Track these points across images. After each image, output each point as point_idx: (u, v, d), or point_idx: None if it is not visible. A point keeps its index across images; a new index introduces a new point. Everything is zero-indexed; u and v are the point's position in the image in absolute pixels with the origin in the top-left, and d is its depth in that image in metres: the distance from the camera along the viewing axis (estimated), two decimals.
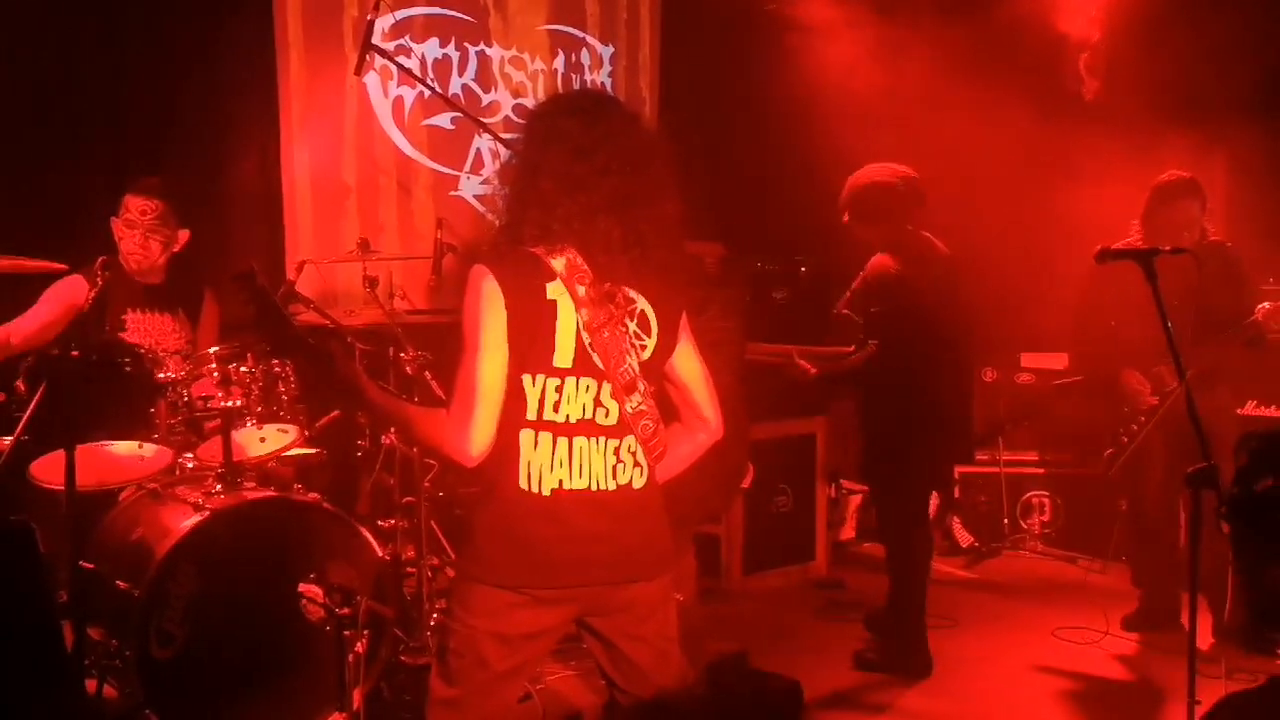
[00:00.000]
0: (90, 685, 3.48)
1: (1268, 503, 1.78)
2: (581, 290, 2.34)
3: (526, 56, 6.19)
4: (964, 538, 6.35)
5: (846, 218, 4.51)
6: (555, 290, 2.33)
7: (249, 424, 3.74)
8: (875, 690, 4.40)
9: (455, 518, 4.73)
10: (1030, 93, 6.05)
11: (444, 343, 4.37)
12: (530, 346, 2.33)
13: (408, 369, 4.39)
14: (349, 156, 5.61)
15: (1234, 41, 5.62)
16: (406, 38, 5.70)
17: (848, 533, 6.48)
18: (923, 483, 4.59)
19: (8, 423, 3.58)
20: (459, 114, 5.46)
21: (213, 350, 3.76)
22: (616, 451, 2.41)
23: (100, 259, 3.63)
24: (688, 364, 2.54)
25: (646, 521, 2.46)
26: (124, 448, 3.66)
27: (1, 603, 2.84)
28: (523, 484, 2.35)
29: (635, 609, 2.45)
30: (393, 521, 4.56)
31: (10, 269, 3.49)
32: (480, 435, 2.30)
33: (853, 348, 4.47)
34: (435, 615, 4.20)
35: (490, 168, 5.88)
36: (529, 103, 5.99)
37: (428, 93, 5.57)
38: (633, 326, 2.41)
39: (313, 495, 3.79)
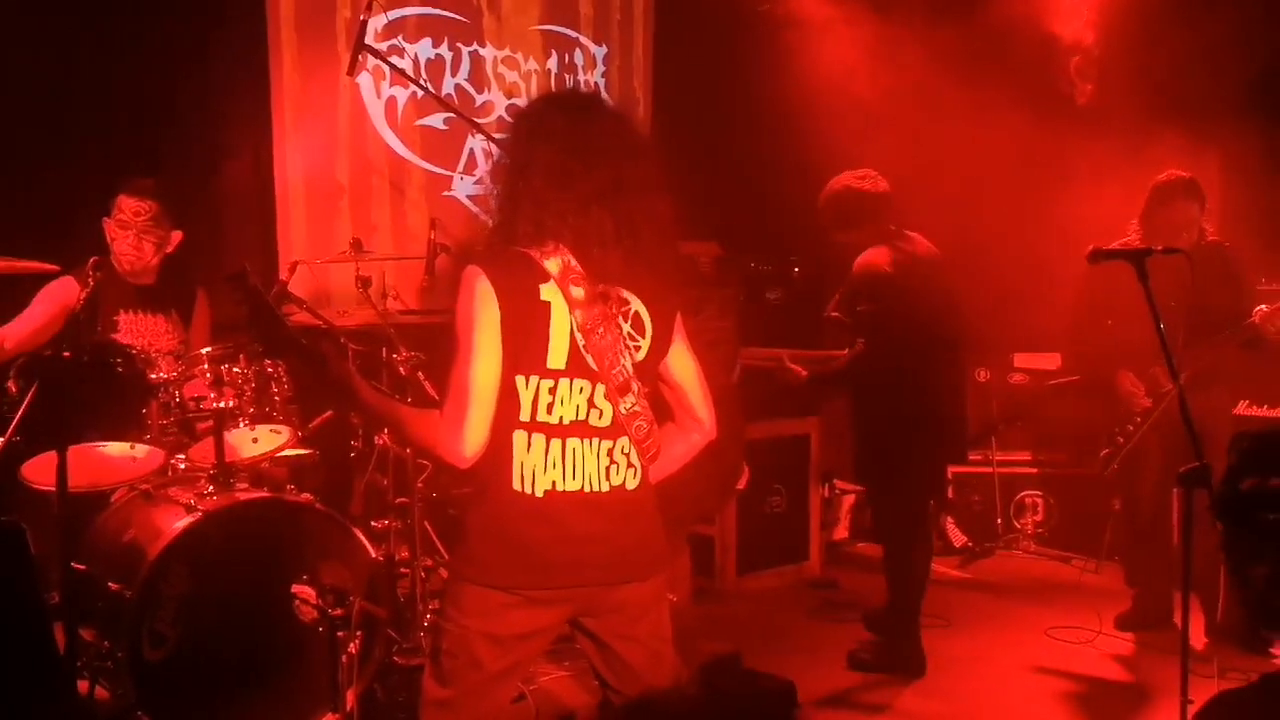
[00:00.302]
0: (82, 687, 3.47)
1: (1252, 501, 1.78)
2: (575, 291, 2.33)
3: (520, 57, 6.18)
4: (957, 537, 6.36)
5: (828, 228, 4.53)
6: (549, 291, 2.33)
7: (241, 425, 3.73)
8: (869, 690, 4.40)
9: (448, 518, 4.73)
10: (1024, 94, 6.05)
11: (437, 343, 4.38)
12: (523, 348, 2.32)
13: (401, 370, 4.38)
14: (342, 157, 5.60)
15: (1226, 43, 5.63)
16: (399, 38, 5.70)
17: (841, 533, 6.49)
18: (918, 482, 4.58)
19: None
20: (452, 114, 5.46)
21: (205, 351, 3.75)
22: (610, 453, 2.41)
23: (92, 260, 3.61)
24: (682, 364, 2.54)
25: (640, 522, 2.46)
26: (116, 449, 3.65)
27: None
28: (516, 485, 2.35)
29: (628, 609, 2.45)
30: (386, 522, 4.55)
31: (2, 270, 3.48)
32: (473, 436, 2.30)
33: (845, 351, 4.49)
34: (428, 616, 4.19)
35: (483, 168, 5.87)
36: (522, 103, 5.99)
37: (421, 93, 5.57)
38: (627, 327, 2.41)
39: (305, 496, 3.78)
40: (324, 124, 5.50)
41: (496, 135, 4.27)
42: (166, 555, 3.39)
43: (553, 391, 2.35)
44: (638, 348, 2.42)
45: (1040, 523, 6.39)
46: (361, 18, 4.48)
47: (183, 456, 3.84)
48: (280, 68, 5.36)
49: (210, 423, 3.73)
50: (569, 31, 6.39)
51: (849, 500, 6.46)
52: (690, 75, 6.70)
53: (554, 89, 6.06)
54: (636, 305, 2.43)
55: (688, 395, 2.55)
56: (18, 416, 3.43)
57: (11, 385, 3.56)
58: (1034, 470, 6.42)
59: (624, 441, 2.42)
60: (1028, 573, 6.04)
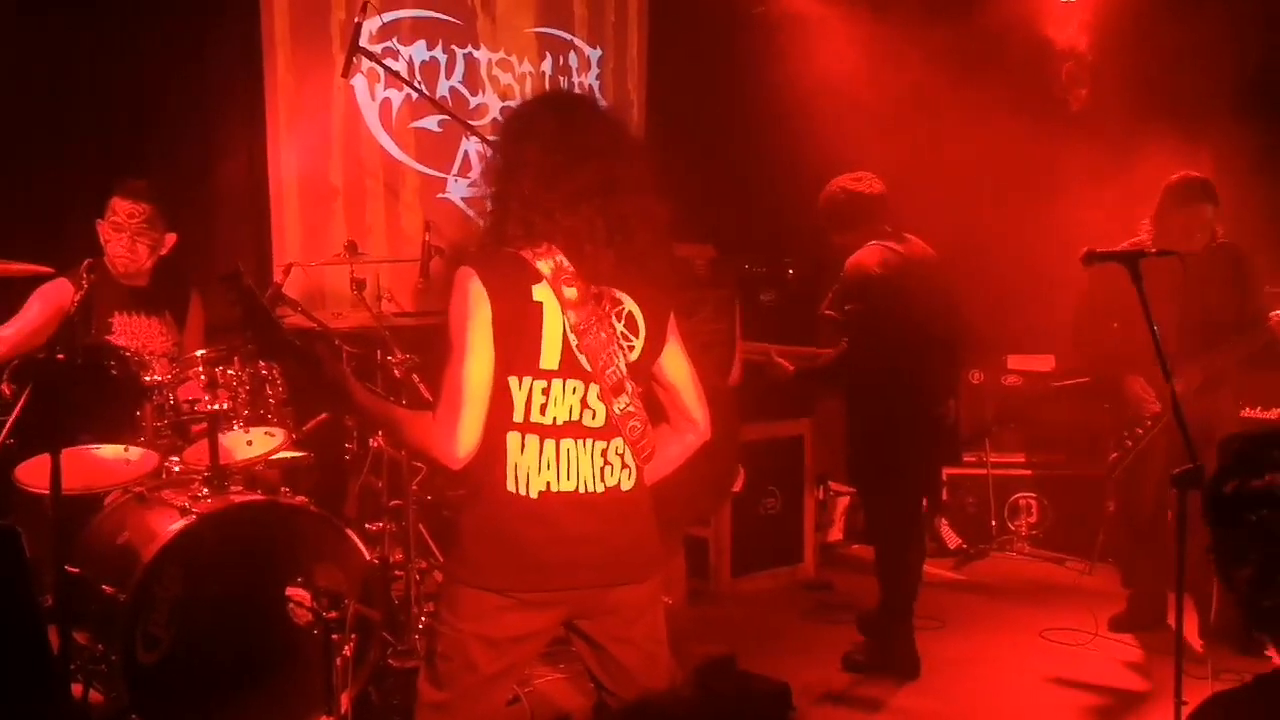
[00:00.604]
0: (76, 690, 3.46)
1: (1236, 502, 1.79)
2: (568, 292, 2.33)
3: (514, 59, 6.18)
4: (951, 539, 6.37)
5: (825, 230, 4.56)
6: (541, 292, 2.33)
7: (236, 427, 3.73)
8: (863, 692, 4.40)
9: (443, 520, 4.72)
10: (1018, 97, 6.07)
11: (432, 346, 4.37)
12: (516, 348, 2.32)
13: (395, 372, 4.38)
14: (336, 159, 5.60)
15: (1217, 45, 5.65)
16: (394, 40, 5.69)
17: (836, 534, 6.49)
18: (910, 484, 4.58)
19: None
20: (446, 116, 5.46)
21: (199, 353, 3.75)
22: (604, 453, 2.41)
23: (86, 261, 3.61)
24: (676, 365, 2.54)
25: (635, 523, 2.46)
26: (110, 451, 3.64)
27: None
28: (510, 486, 2.35)
29: (623, 611, 2.45)
30: (380, 524, 4.54)
31: None
32: (466, 437, 2.30)
33: (832, 349, 4.53)
34: (423, 618, 4.19)
35: (478, 170, 5.86)
36: (516, 104, 5.98)
37: (415, 95, 5.56)
38: (620, 328, 2.41)
39: (300, 498, 3.78)
40: (318, 126, 5.50)
41: (491, 137, 4.26)
42: (160, 558, 3.38)
43: (546, 392, 2.35)
44: (631, 348, 2.42)
45: (1034, 524, 6.39)
46: (356, 20, 4.48)
47: (177, 459, 3.84)
48: (275, 70, 5.36)
49: (204, 425, 3.73)
50: (563, 34, 6.39)
51: (844, 502, 6.47)
52: (685, 77, 6.71)
53: (547, 90, 6.06)
54: (630, 305, 2.43)
55: (682, 396, 2.55)
56: (11, 419, 3.42)
57: (5, 388, 3.55)
58: (1028, 472, 6.43)
59: (618, 442, 2.42)
60: (1022, 574, 6.05)
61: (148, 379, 3.67)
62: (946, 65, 6.10)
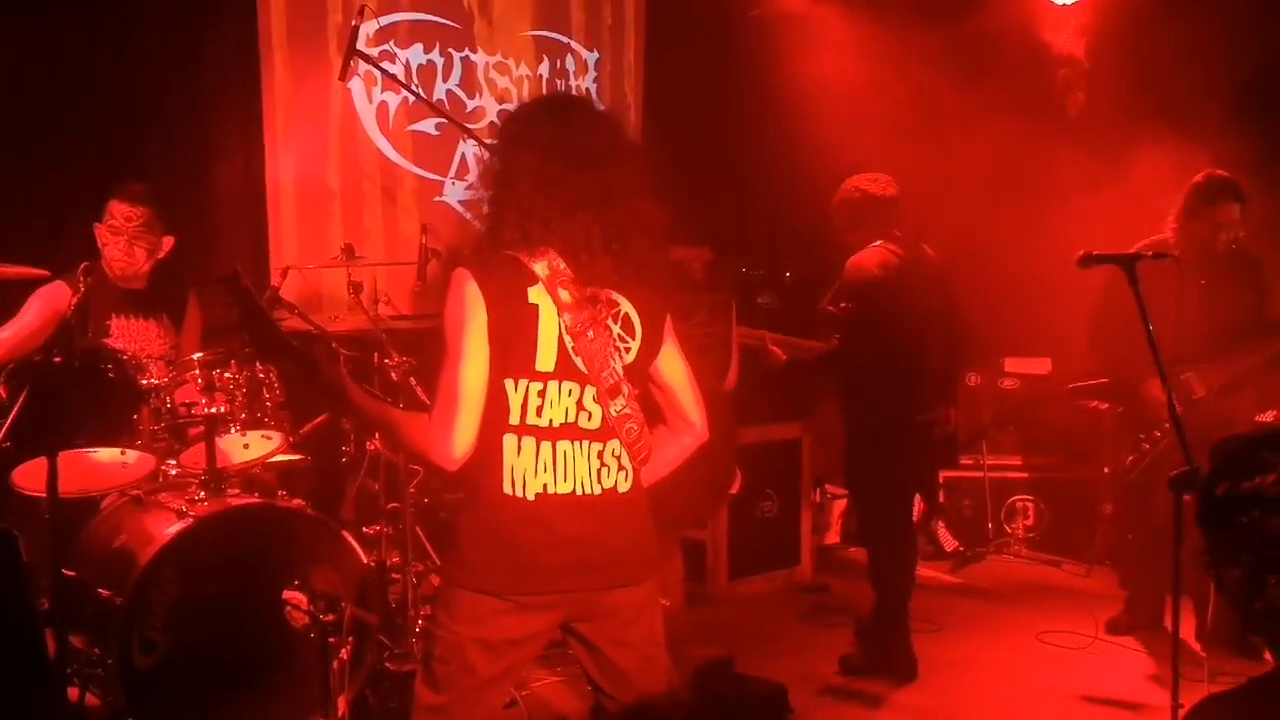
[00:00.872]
0: (73, 693, 3.46)
1: (1226, 505, 1.79)
2: (564, 294, 2.33)
3: (511, 62, 6.18)
4: (948, 542, 6.37)
5: (838, 228, 4.61)
6: (537, 294, 2.33)
7: (233, 430, 3.72)
8: (860, 694, 4.40)
9: (440, 523, 4.72)
10: (1014, 100, 6.08)
11: (429, 348, 4.37)
12: (512, 351, 2.32)
13: (392, 375, 4.38)
14: (333, 162, 5.60)
15: (1213, 47, 5.66)
16: (391, 43, 5.69)
17: (833, 537, 6.49)
18: (897, 487, 4.59)
19: None
20: (443, 119, 5.46)
21: (196, 356, 3.74)
22: (600, 455, 2.40)
23: (83, 264, 3.61)
24: (672, 367, 2.54)
25: (632, 525, 2.46)
26: (107, 454, 3.64)
27: None
28: (506, 489, 2.35)
29: (621, 614, 2.44)
30: (377, 527, 4.54)
31: None
32: (462, 440, 2.29)
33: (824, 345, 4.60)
34: (420, 621, 4.18)
35: (475, 173, 5.87)
36: (513, 108, 5.98)
37: (412, 98, 5.56)
38: (616, 329, 2.41)
39: (297, 501, 3.77)
40: (315, 129, 5.49)
41: (488, 141, 4.27)
42: (157, 561, 3.38)
43: (542, 394, 2.35)
44: (627, 349, 2.42)
45: (1031, 527, 6.40)
46: (353, 23, 4.48)
47: (174, 462, 3.83)
48: (272, 73, 5.36)
49: (201, 428, 3.72)
50: (560, 37, 6.40)
51: (840, 505, 6.47)
52: (682, 81, 6.71)
53: (545, 94, 6.06)
54: (626, 307, 2.43)
55: (679, 397, 2.55)
56: (8, 422, 3.42)
57: (1, 390, 3.55)
58: (1025, 475, 6.44)
59: (615, 444, 2.42)
60: (1019, 577, 6.05)
61: (145, 382, 3.67)
62: (943, 69, 6.11)
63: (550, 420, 2.36)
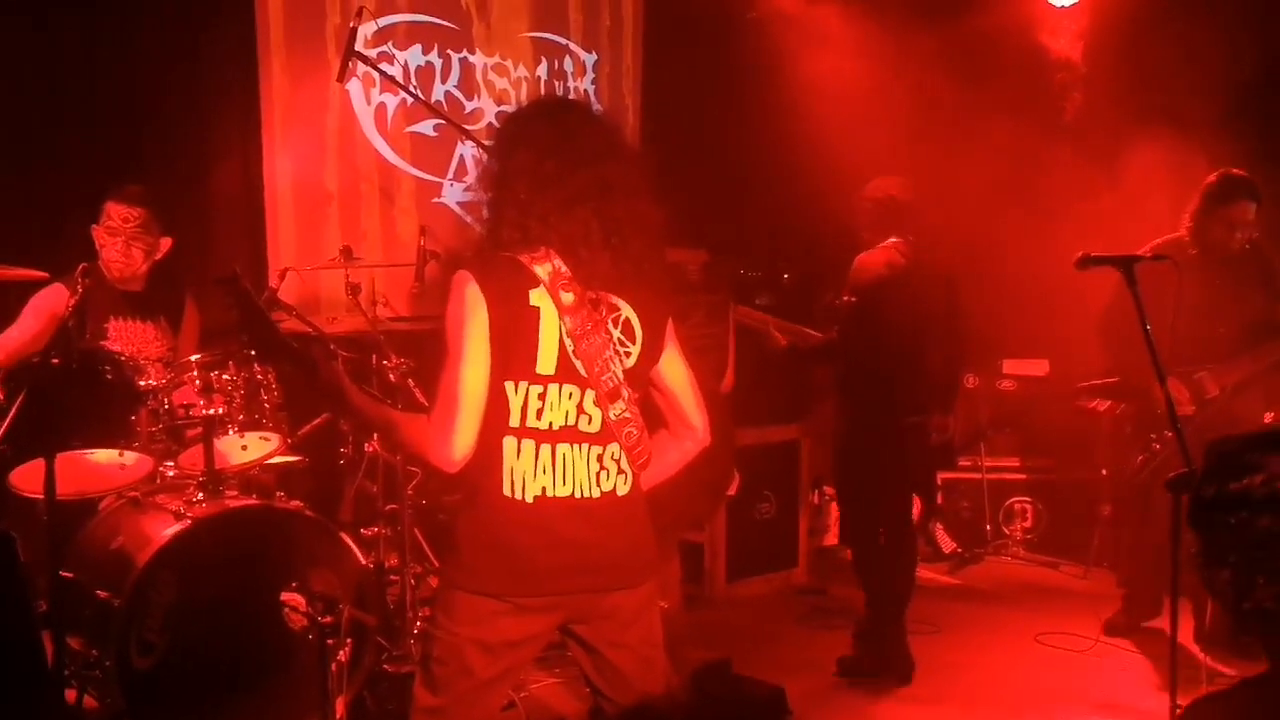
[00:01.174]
0: (70, 695, 3.46)
1: (1215, 506, 1.80)
2: (565, 297, 2.34)
3: (509, 64, 6.19)
4: (947, 543, 6.37)
5: (861, 226, 4.67)
6: (538, 297, 2.33)
7: (231, 431, 3.72)
8: (858, 696, 4.41)
9: (438, 525, 4.72)
10: (1012, 102, 6.08)
11: (427, 350, 4.37)
12: (513, 353, 2.32)
13: (390, 376, 4.38)
14: (331, 163, 5.59)
15: (1212, 50, 5.66)
16: (389, 44, 5.69)
17: (831, 539, 6.48)
18: (884, 483, 4.60)
19: None
20: (442, 121, 5.46)
21: (194, 358, 3.74)
22: (600, 459, 2.40)
23: (81, 266, 3.60)
24: (674, 371, 2.54)
25: (631, 528, 2.46)
26: (104, 456, 3.63)
27: None
28: (506, 491, 2.35)
29: (619, 616, 2.44)
30: (376, 529, 4.54)
31: None
32: (462, 442, 2.29)
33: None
34: (419, 623, 4.19)
35: (473, 175, 5.87)
36: (511, 110, 5.98)
37: (410, 100, 5.56)
38: (617, 333, 2.41)
39: (295, 503, 3.77)
40: (313, 130, 5.49)
41: (486, 142, 4.27)
42: (155, 563, 3.38)
43: (542, 397, 2.35)
44: (628, 354, 2.42)
45: (1029, 529, 6.40)
46: (351, 24, 4.48)
47: (171, 464, 3.83)
48: (270, 74, 5.35)
49: (199, 430, 3.72)
50: (559, 39, 6.40)
51: (838, 507, 6.47)
52: (680, 82, 6.72)
53: (542, 96, 6.07)
54: (627, 311, 2.43)
55: (680, 402, 2.55)
56: (6, 424, 3.41)
57: None
58: (1023, 476, 6.44)
59: (614, 447, 2.42)
60: (1017, 579, 6.06)
61: (142, 383, 3.66)
62: (941, 71, 6.11)
63: (550, 423, 2.36)
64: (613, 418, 2.39)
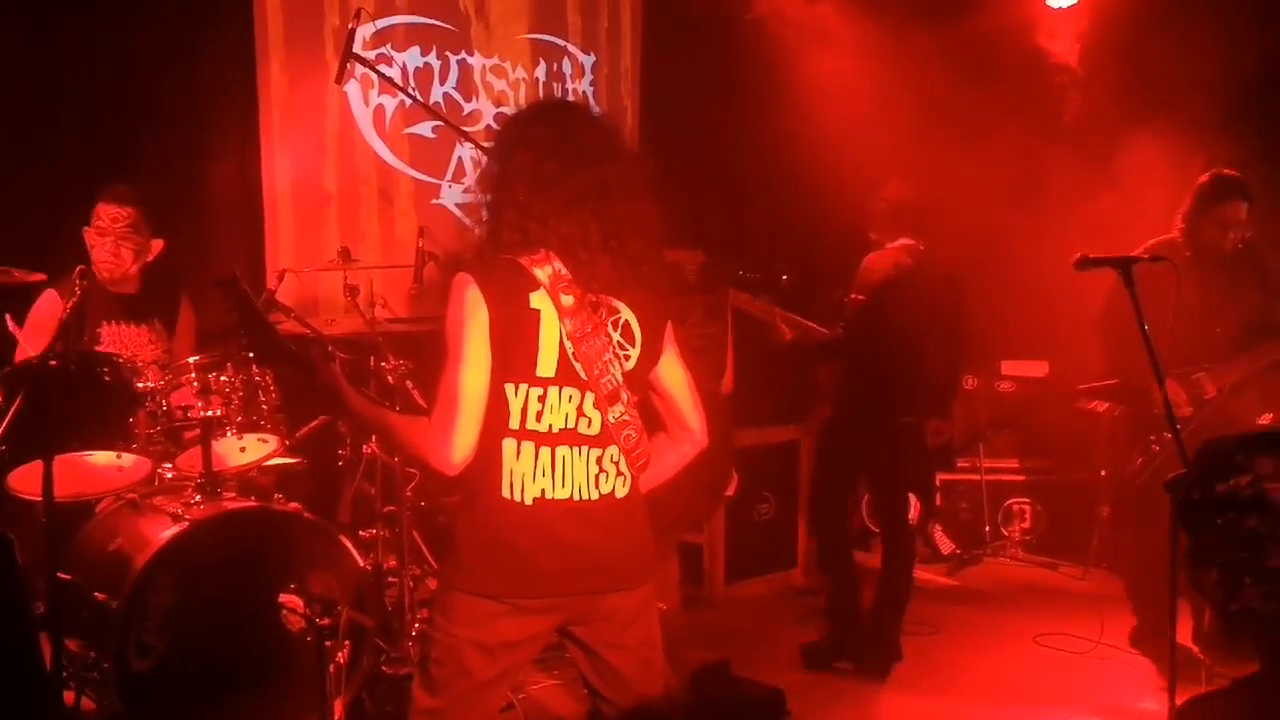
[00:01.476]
0: (68, 697, 3.45)
1: (1203, 507, 1.80)
2: (565, 299, 2.34)
3: (508, 65, 6.19)
4: (945, 545, 6.37)
5: (872, 226, 4.74)
6: (539, 299, 2.33)
7: (229, 433, 3.71)
8: (857, 697, 4.41)
9: (437, 527, 4.72)
10: (1011, 103, 6.09)
11: (425, 352, 4.37)
12: (513, 355, 2.32)
13: (389, 378, 4.38)
14: (330, 165, 5.59)
15: (1209, 51, 5.66)
16: (388, 46, 5.69)
17: None
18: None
19: None
20: (440, 122, 5.45)
21: (192, 359, 3.74)
22: (599, 461, 2.41)
23: (78, 268, 3.60)
24: (673, 374, 2.54)
25: (629, 531, 2.46)
26: (102, 458, 3.62)
27: None
28: (505, 493, 2.35)
29: (618, 617, 2.44)
30: (374, 531, 4.54)
31: None
32: (462, 444, 2.29)
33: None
34: (417, 625, 4.18)
35: (472, 176, 5.87)
36: (510, 111, 5.98)
37: (409, 101, 5.56)
38: (616, 336, 2.41)
39: (293, 505, 3.77)
40: (312, 132, 5.49)
41: (485, 144, 4.27)
42: (153, 565, 3.37)
43: (542, 399, 2.35)
44: (627, 357, 2.42)
45: (1028, 530, 6.40)
46: (350, 26, 4.47)
47: (169, 465, 3.82)
48: (268, 75, 5.35)
49: (197, 431, 3.71)
50: (557, 40, 6.40)
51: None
52: (678, 84, 6.72)
53: (541, 97, 6.07)
54: (626, 314, 2.43)
55: (679, 405, 2.55)
56: (4, 425, 3.41)
57: None
58: (1022, 477, 6.44)
59: (613, 450, 2.42)
60: (1015, 580, 6.06)
61: (140, 385, 3.65)
62: (940, 72, 6.12)
63: (550, 425, 2.36)
64: (612, 420, 2.39)
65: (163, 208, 4.25)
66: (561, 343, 2.34)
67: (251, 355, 3.63)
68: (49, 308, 3.95)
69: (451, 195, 5.96)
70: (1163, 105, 5.65)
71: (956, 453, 6.27)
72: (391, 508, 4.47)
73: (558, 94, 6.21)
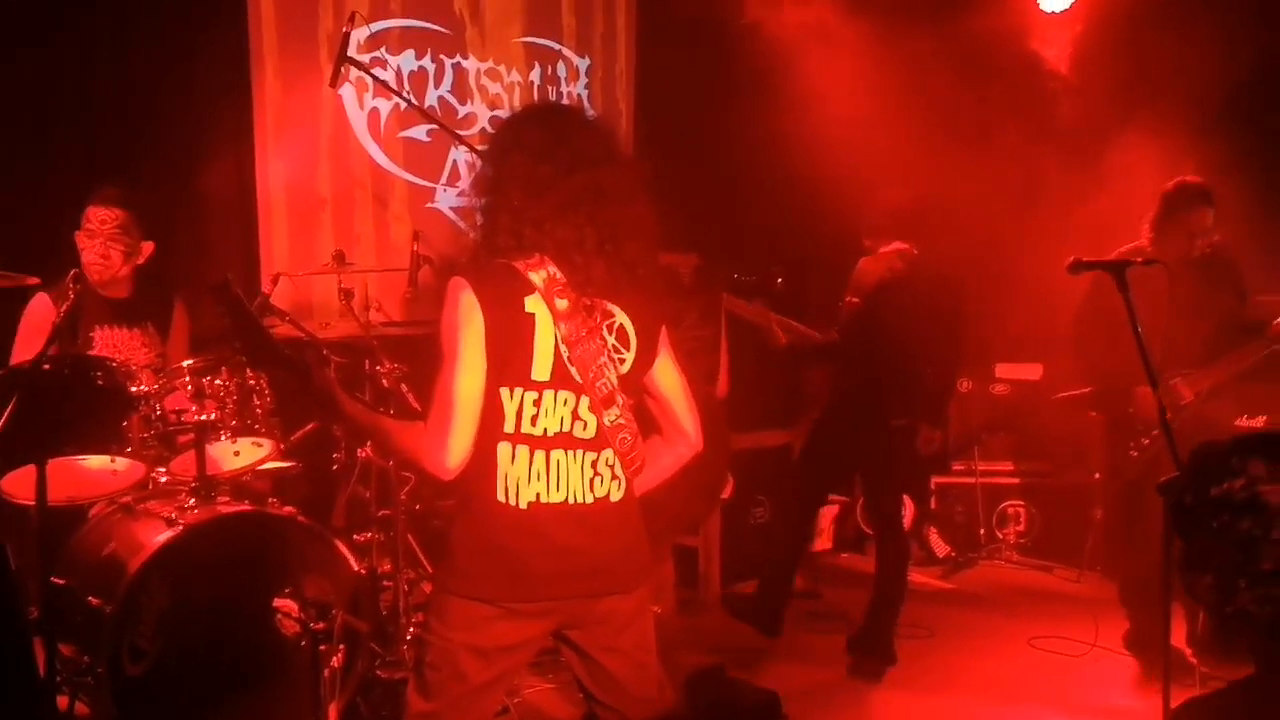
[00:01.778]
0: (62, 702, 3.44)
1: (1196, 512, 1.80)
2: (560, 303, 2.34)
3: (503, 69, 6.19)
4: (940, 548, 6.38)
5: (870, 230, 4.75)
6: (534, 303, 2.33)
7: (223, 437, 3.71)
8: (853, 700, 4.41)
9: (432, 531, 4.71)
10: (1006, 107, 6.10)
11: (420, 355, 4.38)
12: (508, 359, 2.32)
13: (383, 381, 4.37)
14: (324, 168, 5.59)
15: (1203, 54, 5.68)
16: (382, 49, 5.69)
17: (824, 544, 6.49)
18: (875, 488, 4.81)
19: None
20: (435, 126, 5.45)
21: (186, 363, 3.73)
22: (594, 464, 2.41)
23: (72, 272, 3.59)
24: (667, 377, 2.54)
25: (624, 534, 2.46)
26: (96, 462, 3.62)
27: None
28: (500, 497, 2.35)
29: (613, 621, 2.44)
30: (369, 535, 4.53)
31: None
32: (457, 448, 2.29)
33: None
34: (412, 629, 4.18)
35: (466, 180, 5.87)
36: (505, 115, 5.98)
37: (403, 105, 5.56)
38: (611, 340, 2.41)
39: (288, 509, 3.76)
40: (306, 135, 5.49)
41: (479, 147, 4.27)
42: (147, 569, 3.37)
43: (537, 403, 2.35)
44: (622, 360, 2.42)
45: (1023, 533, 6.41)
46: (344, 29, 4.47)
47: (163, 470, 3.81)
48: (262, 79, 5.35)
49: (191, 435, 3.70)
50: (552, 44, 6.40)
51: (832, 511, 6.47)
52: (673, 87, 6.72)
53: (536, 101, 6.07)
54: (621, 318, 2.43)
55: (673, 408, 2.55)
56: None
57: None
58: (1016, 480, 6.45)
59: (608, 453, 2.42)
60: (1010, 583, 6.06)
61: (134, 389, 3.65)
62: (934, 77, 6.13)
63: (545, 429, 2.36)
64: (607, 424, 2.39)
65: (157, 211, 4.24)
66: (556, 346, 2.34)
67: (245, 359, 3.62)
68: (42, 311, 3.94)
69: (446, 199, 5.96)
70: (1157, 108, 5.66)
71: (951, 456, 6.28)
72: (386, 512, 4.47)
73: (552, 97, 6.22)
